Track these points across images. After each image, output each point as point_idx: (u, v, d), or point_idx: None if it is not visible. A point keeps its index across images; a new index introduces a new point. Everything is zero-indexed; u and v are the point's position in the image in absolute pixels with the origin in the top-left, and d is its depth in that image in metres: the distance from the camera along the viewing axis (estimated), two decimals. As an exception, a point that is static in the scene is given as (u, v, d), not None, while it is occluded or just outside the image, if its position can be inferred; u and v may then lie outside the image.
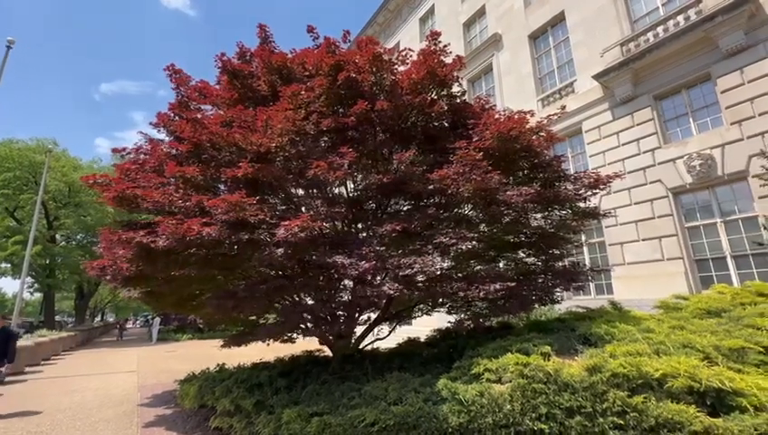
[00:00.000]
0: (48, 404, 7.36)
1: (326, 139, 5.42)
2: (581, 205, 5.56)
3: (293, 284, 4.99)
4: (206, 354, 14.01)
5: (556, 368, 3.40)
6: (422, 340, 6.65)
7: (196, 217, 4.32)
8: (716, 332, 3.93)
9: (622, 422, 2.98)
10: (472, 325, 5.90)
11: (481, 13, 16.51)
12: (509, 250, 6.02)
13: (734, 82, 8.69)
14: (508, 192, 4.50)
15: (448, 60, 5.60)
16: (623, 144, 10.49)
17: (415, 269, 3.99)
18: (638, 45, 10.16)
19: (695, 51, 9.31)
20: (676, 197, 9.48)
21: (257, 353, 8.37)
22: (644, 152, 10.04)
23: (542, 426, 3.11)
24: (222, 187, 5.60)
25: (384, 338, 6.56)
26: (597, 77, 10.84)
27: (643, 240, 9.76)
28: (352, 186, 6.00)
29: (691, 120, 9.53)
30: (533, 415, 3.17)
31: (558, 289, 5.72)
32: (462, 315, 5.98)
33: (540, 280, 5.63)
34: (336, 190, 5.97)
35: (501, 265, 6.38)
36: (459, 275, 5.11)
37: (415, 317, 6.97)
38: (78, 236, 31.66)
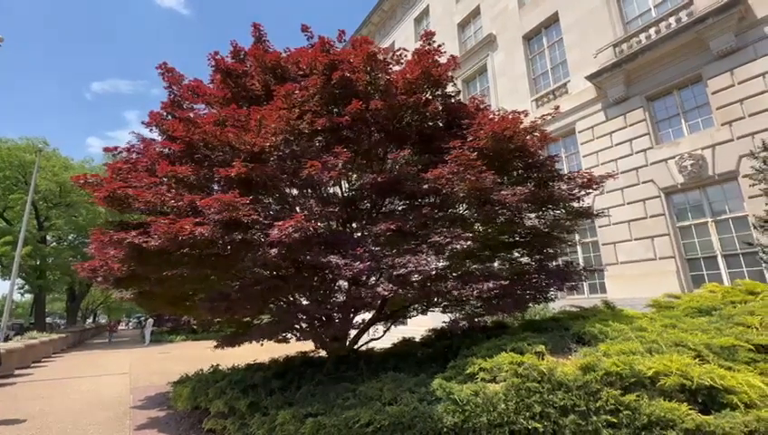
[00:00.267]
0: (38, 407, 7.25)
1: (320, 138, 5.40)
2: (575, 205, 5.60)
3: (288, 284, 4.96)
4: (199, 356, 13.90)
5: (550, 367, 3.41)
6: (417, 340, 6.65)
7: (188, 216, 4.28)
8: (708, 330, 3.97)
9: (615, 421, 3.00)
10: (467, 325, 5.90)
11: (476, 13, 16.57)
12: (504, 250, 6.04)
13: (724, 83, 8.80)
14: (502, 192, 4.51)
15: (443, 60, 5.61)
16: (616, 144, 10.58)
17: (409, 268, 3.99)
18: (631, 47, 10.25)
19: (686, 52, 9.42)
20: (668, 196, 9.58)
21: (252, 354, 8.31)
22: (636, 153, 10.13)
23: (537, 425, 3.12)
24: (215, 187, 5.55)
25: (379, 338, 6.55)
26: (590, 78, 10.92)
27: (636, 240, 9.85)
28: (347, 185, 5.98)
29: (683, 120, 9.64)
30: (528, 414, 3.18)
31: (552, 289, 5.75)
32: (456, 314, 5.98)
33: (534, 280, 5.65)
34: (331, 190, 5.96)
35: (496, 264, 6.41)
36: (454, 274, 5.12)
37: (410, 317, 6.97)
38: (69, 237, 31.30)
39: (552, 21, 13.06)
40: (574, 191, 5.33)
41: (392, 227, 4.39)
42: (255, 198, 4.84)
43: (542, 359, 3.64)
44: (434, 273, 4.24)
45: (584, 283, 9.46)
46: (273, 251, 4.03)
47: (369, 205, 5.91)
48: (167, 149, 5.72)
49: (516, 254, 6.16)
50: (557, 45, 12.92)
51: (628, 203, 10.13)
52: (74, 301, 33.63)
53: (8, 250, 23.32)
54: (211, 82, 6.45)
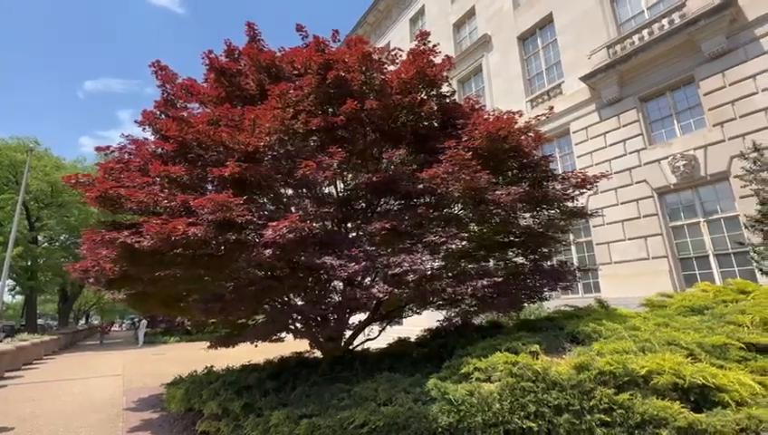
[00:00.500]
0: (29, 410, 7.15)
1: (315, 138, 5.38)
2: (569, 204, 5.63)
3: (282, 285, 4.93)
4: (194, 357, 13.79)
5: (544, 366, 3.42)
6: (413, 340, 6.65)
7: (181, 217, 4.24)
8: (700, 329, 4.01)
9: (609, 419, 3.01)
10: (460, 322, 5.91)
11: (471, 14, 16.62)
12: (499, 249, 6.05)
13: (716, 84, 8.90)
14: (497, 192, 4.52)
15: (438, 60, 5.61)
16: (610, 145, 10.66)
17: (404, 268, 3.98)
18: (624, 48, 10.34)
19: (679, 54, 9.51)
20: (660, 197, 9.67)
21: (246, 355, 8.26)
22: (630, 153, 10.22)
23: (531, 424, 3.12)
24: (209, 187, 5.51)
25: (374, 338, 6.54)
26: (584, 79, 10.99)
27: (629, 239, 9.93)
28: (342, 186, 5.97)
29: (675, 121, 9.74)
30: (522, 413, 3.19)
31: (546, 288, 5.77)
32: (450, 312, 6.00)
33: (528, 279, 5.67)
34: (326, 190, 5.94)
35: (491, 264, 6.42)
36: (449, 274, 5.12)
37: (405, 317, 6.97)
38: (61, 238, 30.92)
39: (547, 22, 13.13)
40: (568, 191, 5.36)
41: (387, 226, 4.38)
42: (250, 199, 4.81)
43: (537, 358, 3.65)
44: (429, 273, 4.24)
45: (579, 282, 9.51)
46: (268, 252, 4.00)
47: (364, 205, 5.90)
48: (160, 149, 5.67)
49: (511, 253, 6.18)
50: (551, 46, 13.00)
51: (621, 203, 10.21)
52: (66, 302, 33.23)
53: (-1, 251, 22.99)
54: (205, 81, 6.41)
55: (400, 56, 5.79)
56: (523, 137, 5.26)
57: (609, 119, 10.78)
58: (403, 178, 4.96)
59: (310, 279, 5.00)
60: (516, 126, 5.08)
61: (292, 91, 5.17)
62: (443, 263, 5.55)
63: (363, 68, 5.28)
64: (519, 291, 5.43)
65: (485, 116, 5.62)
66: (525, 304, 5.88)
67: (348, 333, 6.37)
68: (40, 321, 38.05)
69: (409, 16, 20.21)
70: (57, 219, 27.81)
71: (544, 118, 6.17)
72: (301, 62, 5.64)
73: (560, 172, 5.78)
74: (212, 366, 7.22)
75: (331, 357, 5.85)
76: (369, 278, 5.17)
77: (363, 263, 4.11)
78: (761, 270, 6.72)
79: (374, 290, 4.22)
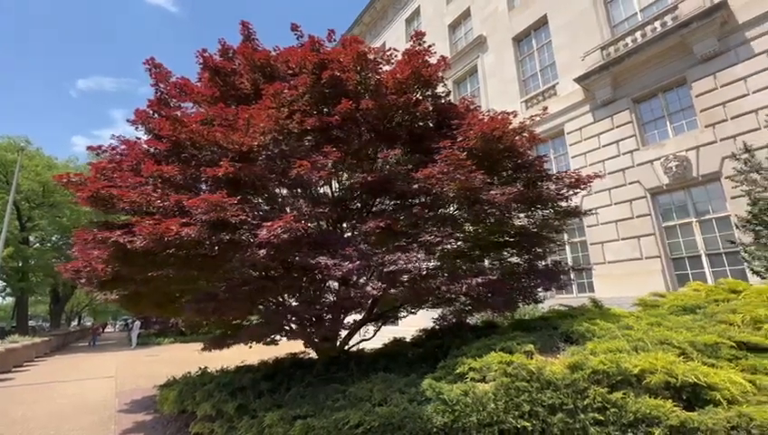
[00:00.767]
0: (19, 413, 7.05)
1: (310, 138, 5.36)
2: (563, 204, 5.66)
3: (277, 285, 4.91)
4: (188, 358, 13.69)
5: (539, 366, 3.43)
6: (408, 340, 6.65)
7: (175, 217, 4.20)
8: (692, 328, 4.04)
9: (602, 418, 3.03)
10: (455, 320, 5.91)
11: (466, 15, 16.67)
12: (494, 249, 6.07)
13: (707, 86, 9.00)
14: (492, 192, 4.53)
15: (433, 60, 5.62)
16: (604, 146, 10.74)
17: (399, 265, 3.98)
18: (618, 50, 10.42)
19: (671, 56, 9.61)
20: (653, 197, 9.76)
21: (241, 356, 8.21)
22: (623, 154, 10.30)
23: (526, 423, 3.13)
24: (203, 186, 5.47)
25: (370, 339, 6.53)
26: (578, 80, 11.06)
27: (623, 239, 10.01)
28: (337, 185, 5.95)
29: (668, 122, 9.83)
30: (516, 413, 3.19)
31: (540, 289, 5.80)
32: (445, 311, 6.01)
33: (523, 279, 5.70)
34: (321, 190, 5.92)
35: (486, 263, 6.44)
36: (445, 274, 5.13)
37: (401, 317, 6.97)
38: (53, 238, 30.57)
39: (542, 23, 13.21)
40: (562, 191, 5.39)
41: (381, 225, 4.38)
42: (244, 199, 4.78)
43: (531, 358, 3.66)
44: (425, 272, 4.24)
45: (573, 283, 9.57)
46: (262, 252, 3.98)
47: (359, 205, 5.89)
48: (153, 149, 5.61)
49: (506, 253, 6.20)
50: (546, 47, 13.08)
51: (615, 203, 10.29)
52: (58, 303, 32.84)
53: (-11, 252, 22.66)
54: (199, 80, 6.36)
55: (396, 56, 5.78)
56: (517, 137, 5.28)
57: (602, 120, 10.86)
58: (398, 178, 4.96)
59: (304, 279, 4.98)
60: (511, 126, 5.10)
61: (286, 91, 5.15)
62: (438, 263, 5.56)
63: (358, 68, 5.27)
64: (514, 290, 5.45)
65: (480, 116, 5.64)
66: (520, 304, 5.90)
67: (343, 334, 6.36)
68: (31, 322, 37.59)
69: (405, 17, 20.23)
70: (49, 220, 27.49)
71: (539, 118, 6.19)
72: (296, 61, 5.62)
73: (554, 173, 5.81)
74: (206, 367, 7.18)
75: (326, 357, 5.83)
76: (364, 278, 5.16)
77: (357, 262, 4.10)
78: (752, 270, 6.80)
79: (368, 287, 4.21)
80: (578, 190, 5.54)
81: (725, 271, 8.41)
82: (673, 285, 9.01)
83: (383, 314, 6.50)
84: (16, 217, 26.18)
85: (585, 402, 3.12)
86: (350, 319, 6.43)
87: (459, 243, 5.86)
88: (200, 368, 7.20)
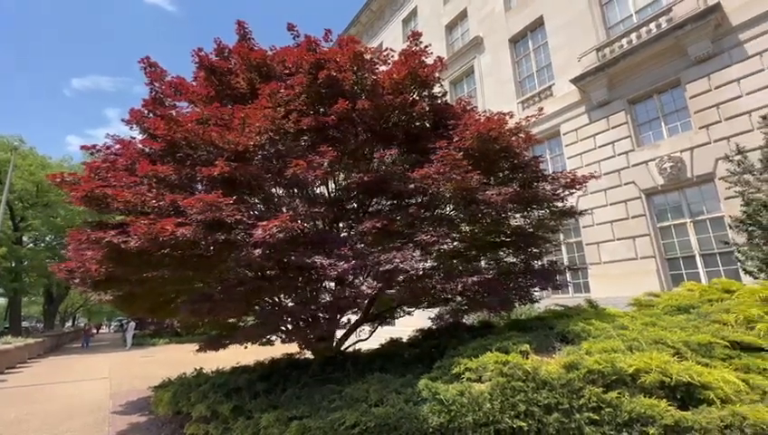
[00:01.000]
0: (11, 415, 6.97)
1: (306, 138, 5.34)
2: (559, 205, 5.68)
3: (273, 285, 4.89)
4: (183, 359, 13.61)
5: (534, 366, 3.44)
6: (404, 340, 6.64)
7: (170, 216, 4.17)
8: (686, 328, 4.06)
9: (597, 418, 3.04)
10: (451, 320, 5.91)
11: (463, 15, 16.71)
12: (490, 249, 6.09)
13: (701, 88, 9.08)
14: (488, 192, 4.54)
15: (429, 60, 5.62)
16: (599, 146, 10.80)
17: (395, 264, 3.97)
18: (613, 51, 10.49)
19: (666, 57, 9.68)
20: (648, 198, 9.82)
21: (236, 357, 8.17)
22: (619, 155, 10.37)
23: (521, 423, 3.13)
24: (199, 186, 5.44)
25: (366, 339, 6.52)
26: (574, 81, 11.12)
27: (618, 240, 10.07)
28: (334, 185, 5.94)
29: (663, 123, 9.90)
30: (512, 413, 3.20)
31: (536, 288, 5.82)
32: (442, 310, 6.01)
33: (520, 279, 5.71)
34: (318, 190, 5.90)
35: (483, 264, 6.46)
36: (441, 274, 5.13)
37: (397, 318, 6.97)
38: (47, 238, 30.29)
39: (538, 24, 13.27)
40: (558, 191, 5.41)
41: (378, 224, 4.37)
42: (240, 198, 4.75)
43: (527, 358, 3.66)
44: (421, 272, 4.24)
45: (569, 283, 9.61)
46: (258, 251, 3.96)
47: (356, 205, 5.88)
48: (148, 148, 5.58)
49: (502, 253, 6.22)
50: (542, 49, 13.14)
51: (610, 204, 10.35)
52: (52, 304, 32.53)
53: (-19, 252, 22.43)
54: (194, 79, 6.32)
55: (392, 56, 5.78)
56: (513, 138, 5.29)
57: (598, 121, 10.92)
58: (394, 178, 4.95)
59: (300, 279, 4.96)
60: (507, 127, 5.11)
61: (282, 91, 5.13)
62: (435, 263, 5.56)
63: (355, 68, 5.26)
64: (510, 290, 5.46)
65: (477, 117, 5.65)
66: (516, 304, 5.92)
67: (339, 334, 6.34)
68: (25, 323, 37.23)
69: (402, 17, 20.25)
70: (42, 219, 27.24)
71: (535, 119, 6.22)
72: (292, 61, 5.60)
73: (550, 173, 5.83)
74: (201, 368, 7.14)
75: (322, 358, 5.81)
76: (361, 277, 5.15)
77: (353, 262, 4.09)
78: (745, 270, 6.86)
79: (363, 287, 4.21)
80: (573, 191, 5.56)
81: (719, 271, 8.48)
82: (668, 285, 9.08)
83: (380, 314, 6.49)
84: (9, 217, 25.93)
85: (580, 402, 3.13)
86: (347, 319, 6.42)
87: (456, 243, 5.87)
88: (195, 369, 7.16)
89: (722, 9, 8.79)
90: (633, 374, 3.19)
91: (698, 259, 8.92)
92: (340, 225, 5.92)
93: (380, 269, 4.09)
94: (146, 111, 6.16)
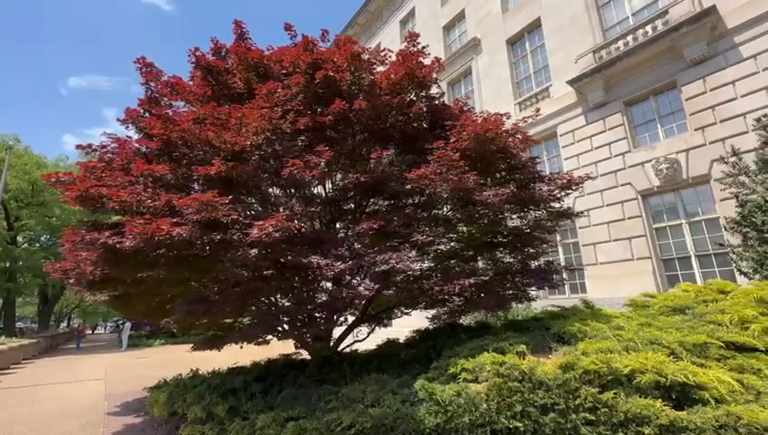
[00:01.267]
0: (6, 416, 6.92)
1: (303, 138, 5.33)
2: (556, 205, 5.70)
3: (269, 285, 4.87)
4: (179, 360, 13.54)
5: (531, 366, 3.44)
6: (401, 341, 6.64)
7: (165, 217, 4.14)
8: (681, 328, 4.08)
9: (593, 418, 3.05)
10: (448, 321, 5.91)
11: (461, 17, 16.75)
12: (487, 250, 6.09)
13: (697, 90, 9.13)
14: (485, 192, 4.55)
15: (427, 61, 5.63)
16: (596, 148, 10.84)
17: (391, 265, 3.97)
18: (610, 53, 10.54)
19: (662, 59, 9.74)
20: (644, 199, 9.87)
21: (233, 358, 8.14)
22: (615, 156, 10.41)
23: (518, 424, 3.14)
24: (195, 186, 5.42)
25: (363, 340, 6.51)
26: (571, 83, 11.16)
27: (614, 240, 10.11)
28: (331, 186, 5.93)
29: (659, 125, 9.96)
30: (509, 413, 3.20)
31: (533, 288, 5.83)
32: (439, 311, 6.01)
33: (516, 279, 5.72)
34: (315, 190, 5.89)
35: (480, 264, 6.46)
36: (438, 274, 5.14)
37: (394, 318, 6.96)
38: (42, 238, 30.08)
39: (535, 26, 13.31)
40: (555, 192, 5.43)
41: (374, 225, 4.36)
42: (237, 198, 4.74)
43: (524, 358, 3.67)
44: (418, 273, 4.24)
45: (565, 283, 9.65)
46: (254, 251, 3.95)
47: (353, 205, 5.87)
48: (144, 148, 5.55)
49: (499, 254, 6.23)
50: (540, 50, 13.18)
51: (607, 205, 10.39)
52: (47, 304, 32.27)
53: (-25, 252, 22.24)
54: (191, 79, 6.30)
55: (390, 57, 5.78)
56: (510, 139, 5.31)
57: (595, 122, 10.97)
58: (391, 179, 4.95)
59: (297, 279, 4.95)
60: (504, 128, 5.11)
61: (279, 91, 5.11)
62: (432, 263, 5.57)
63: (352, 68, 5.26)
64: (506, 290, 5.47)
65: (474, 118, 5.66)
66: (513, 304, 5.94)
67: (336, 334, 6.33)
68: (19, 324, 36.92)
69: (400, 18, 20.26)
70: (37, 219, 27.04)
71: (532, 120, 6.26)
72: (289, 61, 5.59)
73: (547, 174, 5.85)
74: (197, 369, 7.11)
75: (318, 358, 5.80)
76: (357, 278, 5.15)
77: (350, 262, 4.08)
78: (740, 271, 6.91)
79: (360, 288, 4.20)
80: (570, 192, 5.58)
81: (714, 272, 8.53)
82: (663, 286, 9.12)
83: (377, 314, 6.49)
84: (4, 217, 25.74)
85: (576, 402, 3.14)
86: (344, 320, 6.41)
87: (453, 243, 5.88)
88: (191, 370, 7.13)
89: (717, 12, 8.85)
90: (629, 375, 3.20)
91: (694, 260, 8.97)
92: (338, 225, 5.91)
93: (376, 270, 4.09)
94: (142, 111, 6.13)
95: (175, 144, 5.01)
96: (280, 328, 5.47)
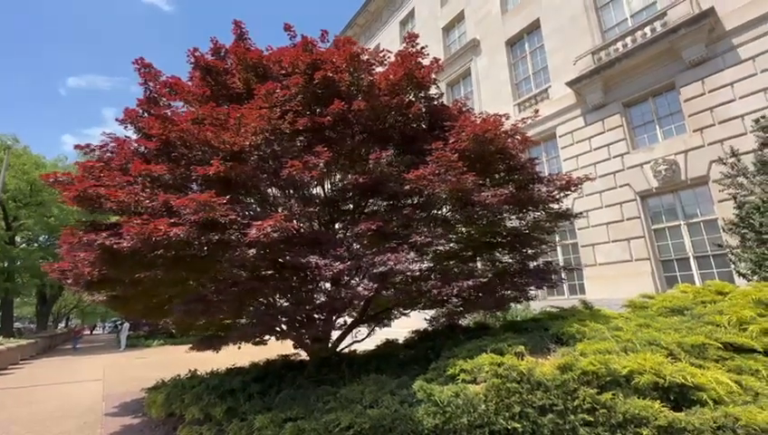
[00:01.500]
0: (3, 416, 6.89)
1: (302, 138, 5.33)
2: (554, 206, 5.70)
3: (267, 285, 4.86)
4: (178, 361, 13.50)
5: (529, 367, 3.44)
6: (400, 341, 6.64)
7: (163, 217, 4.14)
8: (680, 329, 4.08)
9: (592, 419, 3.04)
10: (447, 322, 5.90)
11: (460, 18, 16.77)
12: (486, 250, 6.09)
13: (695, 91, 9.15)
14: (484, 193, 4.55)
15: (426, 62, 5.63)
16: (595, 149, 10.86)
17: (389, 265, 3.97)
18: (609, 54, 10.56)
19: (660, 61, 9.76)
20: (643, 200, 9.88)
21: (232, 359, 8.13)
22: (614, 157, 10.42)
23: (516, 425, 3.14)
24: (194, 186, 5.41)
25: (362, 340, 6.51)
26: (570, 84, 11.18)
27: (613, 241, 10.12)
28: (330, 186, 5.93)
29: (657, 126, 9.97)
30: (507, 414, 3.20)
31: (531, 287, 5.83)
32: (437, 313, 6.01)
33: (515, 279, 5.72)
34: (314, 191, 5.89)
35: (479, 265, 6.46)
36: (439, 276, 5.14)
37: (393, 319, 6.95)
38: (40, 238, 30.02)
39: (534, 27, 13.33)
40: (554, 193, 5.43)
41: (373, 226, 4.36)
42: (235, 199, 4.73)
43: (522, 359, 3.67)
44: (417, 273, 4.23)
45: (564, 284, 9.65)
46: (252, 251, 3.94)
47: (351, 206, 5.87)
48: (142, 148, 5.54)
49: (498, 254, 6.23)
50: (539, 51, 13.20)
51: (606, 206, 10.40)
52: (45, 305, 32.18)
53: (-27, 252, 22.17)
54: (190, 79, 6.29)
55: (389, 58, 5.78)
56: (509, 140, 5.31)
57: (593, 123, 10.98)
58: (390, 180, 4.95)
59: (295, 279, 4.94)
60: (503, 129, 5.12)
61: (278, 91, 5.11)
62: (431, 264, 5.57)
63: (351, 68, 5.26)
64: (505, 291, 5.47)
65: (473, 118, 5.67)
66: (511, 305, 5.93)
67: (335, 335, 6.32)
68: (17, 324, 36.80)
69: (399, 19, 20.28)
70: (36, 219, 26.97)
71: (531, 121, 6.26)
72: (288, 61, 5.59)
73: (546, 175, 5.86)
74: (195, 370, 7.10)
75: (317, 359, 5.79)
76: (356, 279, 5.14)
77: (349, 262, 4.08)
78: (738, 272, 6.91)
79: (359, 288, 4.19)
80: (569, 193, 5.58)
81: (713, 273, 8.54)
82: (662, 287, 9.13)
83: (376, 315, 6.48)
84: (2, 217, 25.68)
85: (575, 403, 3.14)
86: (343, 321, 6.40)
87: (452, 244, 5.88)
88: (189, 370, 7.11)
89: (716, 14, 8.87)
90: (627, 375, 3.20)
91: (692, 261, 8.98)
92: (337, 226, 5.91)
93: (375, 270, 4.08)
94: (140, 111, 6.11)
95: (173, 144, 5.00)
96: (278, 328, 5.46)
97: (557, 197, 5.50)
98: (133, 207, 4.46)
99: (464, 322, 6.88)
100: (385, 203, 5.68)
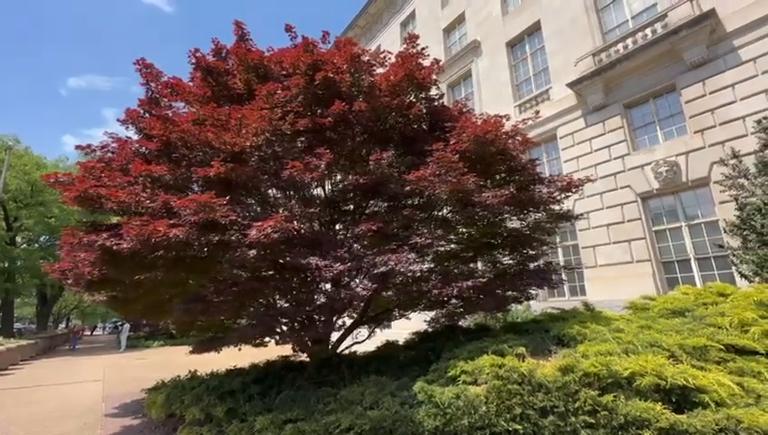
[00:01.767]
0: (2, 417, 6.88)
1: (303, 139, 5.33)
2: (555, 207, 5.69)
3: (267, 286, 4.86)
4: (178, 361, 13.49)
5: (530, 369, 3.43)
6: (401, 343, 6.62)
7: (163, 217, 4.14)
8: (681, 331, 4.07)
9: (593, 421, 3.03)
10: (447, 323, 5.89)
11: (461, 19, 16.78)
12: (486, 251, 6.09)
13: (696, 93, 9.14)
14: (484, 194, 4.54)
15: (426, 63, 5.63)
16: (595, 150, 10.85)
17: (390, 266, 3.96)
18: (609, 56, 10.56)
19: (661, 62, 9.75)
20: (644, 201, 9.87)
21: (232, 360, 8.11)
22: (615, 158, 10.41)
23: (517, 426, 3.13)
24: (195, 187, 5.41)
25: (362, 342, 6.50)
26: (571, 85, 11.18)
27: (614, 243, 10.10)
28: (330, 187, 5.93)
29: (658, 128, 9.96)
30: (508, 416, 3.19)
31: (532, 288, 5.82)
32: (438, 314, 6.00)
33: (516, 280, 5.72)
34: (315, 191, 5.89)
35: (479, 265, 6.45)
36: (440, 276, 5.13)
37: (393, 320, 6.94)
38: (41, 238, 30.04)
39: (535, 29, 13.34)
40: (554, 194, 5.42)
41: (373, 227, 4.36)
42: (236, 199, 4.73)
43: (523, 361, 3.66)
44: (418, 274, 4.22)
45: (565, 285, 9.64)
46: (252, 252, 3.94)
47: (352, 206, 5.87)
48: (143, 148, 5.54)
49: (498, 255, 6.22)
50: (539, 53, 13.20)
51: (607, 207, 10.39)
52: (45, 305, 32.17)
53: (-27, 252, 22.19)
54: (191, 79, 6.29)
55: (389, 58, 5.79)
56: (510, 140, 5.31)
57: (594, 125, 10.97)
58: (391, 180, 4.95)
59: (295, 280, 4.93)
60: (503, 130, 5.12)
61: (279, 92, 5.12)
62: (431, 265, 5.56)
63: (352, 69, 5.26)
64: (505, 291, 5.46)
65: (473, 119, 5.66)
66: (512, 306, 5.92)
67: (335, 336, 6.31)
68: (18, 325, 36.83)
69: (400, 20, 20.30)
70: (36, 219, 27.00)
71: (531, 122, 6.25)
72: (289, 62, 5.59)
73: (546, 176, 5.85)
74: (195, 371, 7.09)
75: (317, 360, 5.78)
76: (357, 280, 5.14)
77: (349, 263, 4.07)
78: (740, 273, 6.89)
79: (358, 289, 4.19)
80: (569, 194, 5.58)
81: (714, 275, 8.51)
82: (663, 289, 9.11)
83: (376, 316, 6.47)
84: (3, 218, 25.70)
85: (576, 405, 3.12)
86: (343, 322, 6.39)
87: (452, 245, 5.87)
88: (189, 371, 7.10)
89: (716, 15, 8.87)
90: (629, 377, 3.19)
91: (693, 263, 8.96)
92: (337, 226, 5.90)
93: (375, 271, 4.08)
94: (141, 111, 6.12)
95: (174, 145, 5.01)
96: (278, 329, 5.45)
97: (558, 198, 5.49)
98: (134, 208, 4.46)
99: (464, 323, 6.87)
100: (385, 204, 5.68)
